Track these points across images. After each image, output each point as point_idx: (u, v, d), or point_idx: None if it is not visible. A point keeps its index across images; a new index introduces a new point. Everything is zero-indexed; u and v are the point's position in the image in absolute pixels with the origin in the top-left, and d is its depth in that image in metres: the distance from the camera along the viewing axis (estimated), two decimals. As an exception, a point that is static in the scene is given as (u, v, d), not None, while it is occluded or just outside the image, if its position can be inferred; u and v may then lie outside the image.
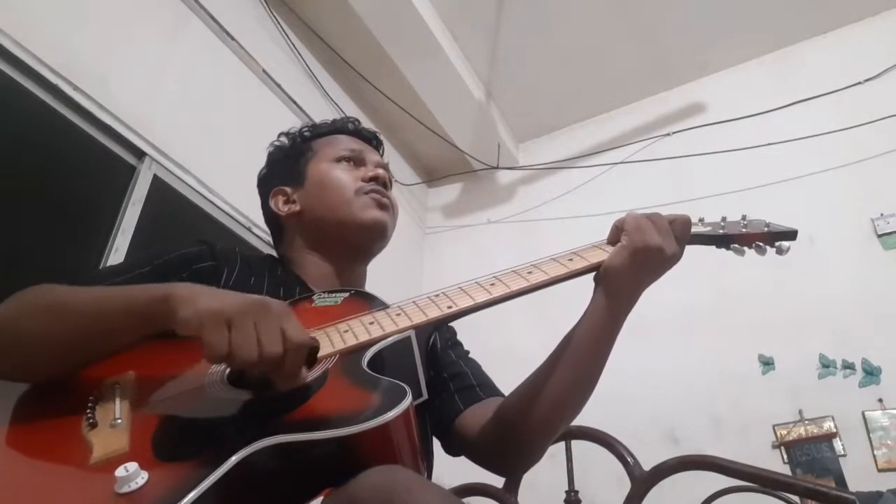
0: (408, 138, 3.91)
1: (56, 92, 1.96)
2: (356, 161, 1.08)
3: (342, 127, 1.15)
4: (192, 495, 0.52)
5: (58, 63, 1.95)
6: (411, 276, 3.75)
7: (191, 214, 2.41)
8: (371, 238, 1.04)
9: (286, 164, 1.11)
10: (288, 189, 1.08)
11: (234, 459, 0.55)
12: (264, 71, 2.86)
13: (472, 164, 3.88)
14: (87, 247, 2.04)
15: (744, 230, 0.85)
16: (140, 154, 2.23)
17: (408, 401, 0.61)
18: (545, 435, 0.86)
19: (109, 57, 2.16)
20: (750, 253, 0.85)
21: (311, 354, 0.67)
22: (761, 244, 0.84)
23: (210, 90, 2.58)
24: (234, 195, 2.53)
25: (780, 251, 0.84)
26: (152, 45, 2.36)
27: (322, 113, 3.08)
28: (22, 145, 1.90)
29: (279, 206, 1.07)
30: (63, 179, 2.03)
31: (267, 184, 1.12)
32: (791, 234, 0.84)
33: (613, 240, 0.85)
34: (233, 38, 2.71)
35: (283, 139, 1.15)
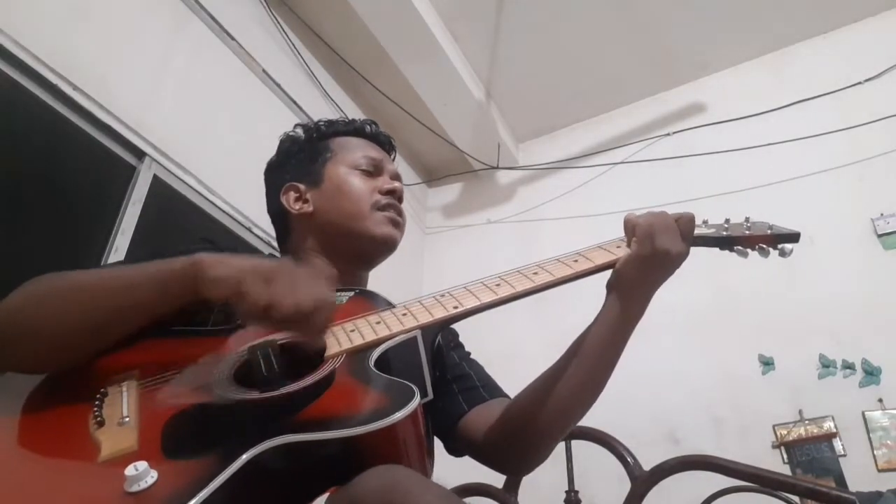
0: (408, 138, 3.90)
1: (56, 92, 1.96)
2: (374, 170, 1.08)
3: (360, 129, 1.14)
4: (202, 494, 0.52)
5: (58, 63, 1.95)
6: (411, 276, 3.74)
7: (191, 214, 2.41)
8: (380, 252, 1.06)
9: (301, 160, 1.10)
10: (301, 187, 1.07)
11: (244, 458, 0.56)
12: (264, 71, 2.86)
13: (472, 164, 3.88)
14: (87, 247, 2.04)
15: (747, 232, 0.85)
16: (140, 154, 2.23)
17: (416, 401, 0.61)
18: (553, 436, 0.87)
19: (109, 57, 2.16)
20: (753, 255, 0.85)
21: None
22: (764, 246, 0.84)
23: (210, 90, 2.58)
24: (234, 195, 2.53)
25: (783, 253, 0.84)
26: (152, 45, 2.36)
27: (322, 113, 3.08)
28: (22, 145, 1.90)
29: (290, 202, 1.06)
30: (63, 179, 2.03)
31: (277, 175, 1.11)
32: (794, 237, 0.84)
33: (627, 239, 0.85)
34: (233, 38, 2.71)
35: (299, 130, 1.14)
